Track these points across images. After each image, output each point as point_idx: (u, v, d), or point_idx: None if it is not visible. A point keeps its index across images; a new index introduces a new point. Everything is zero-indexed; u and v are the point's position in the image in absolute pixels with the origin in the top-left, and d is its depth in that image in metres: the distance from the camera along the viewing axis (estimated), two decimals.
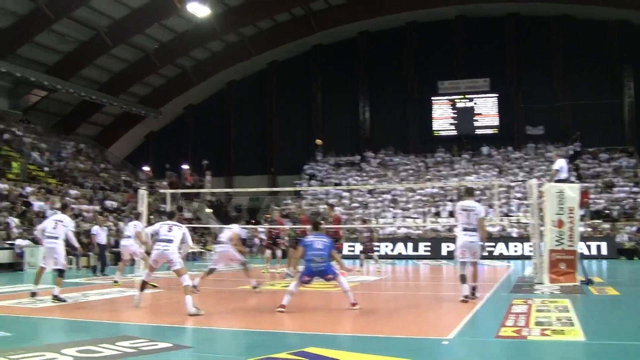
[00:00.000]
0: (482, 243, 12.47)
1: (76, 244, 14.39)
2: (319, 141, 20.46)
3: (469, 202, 12.58)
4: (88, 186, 36.41)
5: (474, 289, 12.31)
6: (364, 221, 27.40)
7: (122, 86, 44.62)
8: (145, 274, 12.37)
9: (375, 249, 22.71)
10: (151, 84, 47.54)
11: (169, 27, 40.84)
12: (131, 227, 17.79)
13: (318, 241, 11.34)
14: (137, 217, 19.04)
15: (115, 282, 16.60)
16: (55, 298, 12.25)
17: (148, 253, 14.16)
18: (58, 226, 13.11)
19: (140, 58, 43.28)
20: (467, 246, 12.11)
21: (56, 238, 13.00)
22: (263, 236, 35.49)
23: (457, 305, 11.83)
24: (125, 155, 49.71)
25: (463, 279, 11.99)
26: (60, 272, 12.83)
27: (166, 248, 11.36)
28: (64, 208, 14.96)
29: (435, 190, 39.92)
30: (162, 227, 11.68)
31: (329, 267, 11.24)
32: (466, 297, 11.88)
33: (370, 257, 21.91)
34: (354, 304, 11.23)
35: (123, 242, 17.98)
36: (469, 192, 13.23)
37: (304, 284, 11.35)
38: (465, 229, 12.15)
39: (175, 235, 11.52)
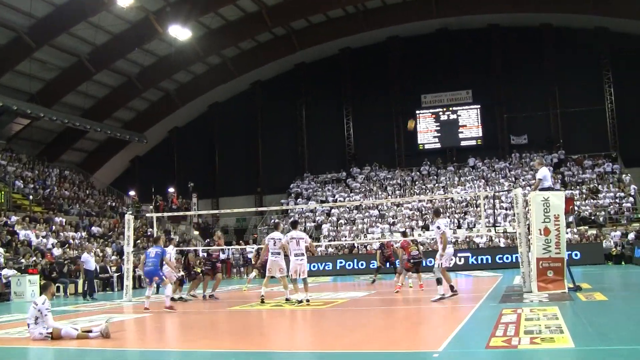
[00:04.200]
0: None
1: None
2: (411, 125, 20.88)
3: (441, 220, 15.74)
4: (74, 213, 36.25)
5: (452, 287, 14.93)
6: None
7: (105, 112, 44.48)
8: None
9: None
10: (135, 109, 47.50)
11: (150, 51, 40.97)
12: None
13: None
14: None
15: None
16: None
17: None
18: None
19: (123, 83, 43.26)
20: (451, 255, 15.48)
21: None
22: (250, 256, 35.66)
23: (447, 317, 11.87)
24: (110, 181, 49.45)
25: (440, 281, 14.80)
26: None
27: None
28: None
29: (422, 203, 39.98)
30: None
31: None
32: (443, 295, 14.43)
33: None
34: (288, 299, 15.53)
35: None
36: (437, 213, 16.15)
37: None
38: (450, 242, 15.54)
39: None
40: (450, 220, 37.43)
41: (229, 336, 11.35)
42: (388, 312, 14.22)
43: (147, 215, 34.17)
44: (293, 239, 15.29)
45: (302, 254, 15.26)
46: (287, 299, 16.06)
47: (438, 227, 15.47)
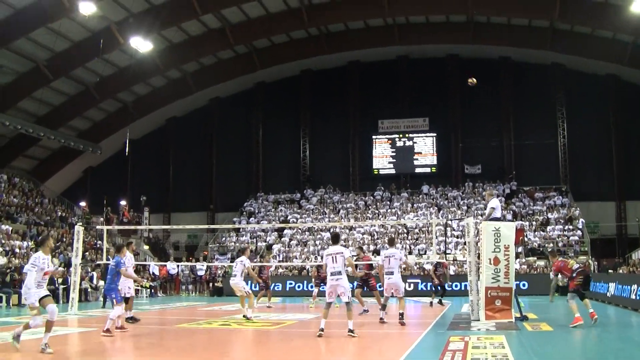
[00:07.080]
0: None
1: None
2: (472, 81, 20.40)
3: (390, 250, 16.11)
4: (21, 221, 35.53)
5: (401, 315, 15.55)
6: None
7: (60, 119, 43.68)
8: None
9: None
10: (91, 118, 46.82)
11: (110, 61, 40.53)
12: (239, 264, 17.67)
13: None
14: (243, 252, 18.69)
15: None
16: None
17: None
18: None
19: (81, 91, 42.61)
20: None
21: None
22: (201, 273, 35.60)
23: (395, 342, 11.88)
24: (61, 190, 48.55)
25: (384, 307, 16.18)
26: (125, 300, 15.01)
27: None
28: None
29: (374, 228, 40.04)
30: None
31: None
32: (381, 319, 15.94)
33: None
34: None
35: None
36: (390, 242, 16.89)
37: None
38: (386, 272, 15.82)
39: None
40: (402, 246, 37.59)
41: (174, 354, 11.20)
42: (335, 336, 14.16)
43: (97, 227, 33.65)
44: (330, 255, 13.39)
45: (339, 272, 13.16)
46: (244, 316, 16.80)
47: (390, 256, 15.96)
